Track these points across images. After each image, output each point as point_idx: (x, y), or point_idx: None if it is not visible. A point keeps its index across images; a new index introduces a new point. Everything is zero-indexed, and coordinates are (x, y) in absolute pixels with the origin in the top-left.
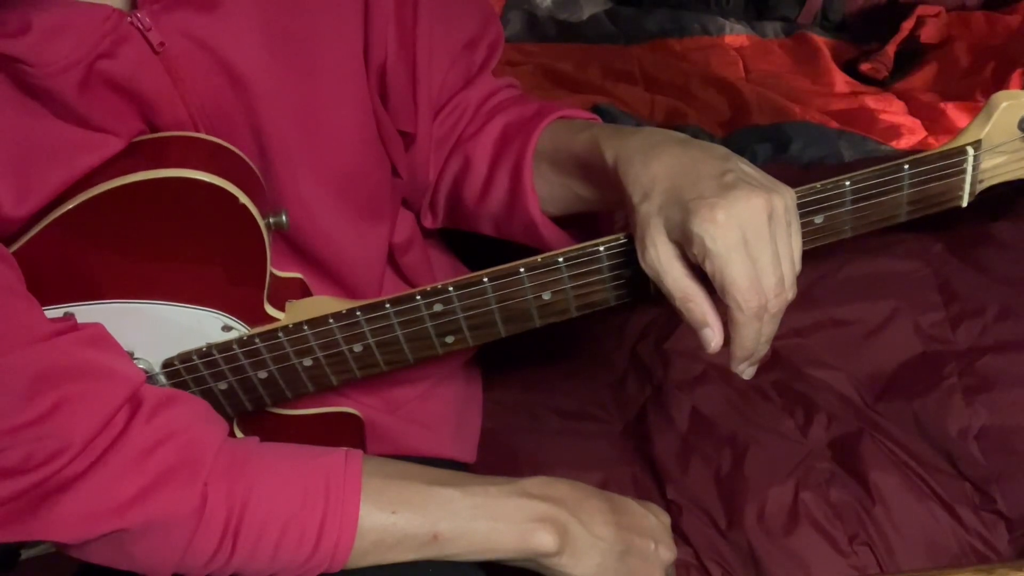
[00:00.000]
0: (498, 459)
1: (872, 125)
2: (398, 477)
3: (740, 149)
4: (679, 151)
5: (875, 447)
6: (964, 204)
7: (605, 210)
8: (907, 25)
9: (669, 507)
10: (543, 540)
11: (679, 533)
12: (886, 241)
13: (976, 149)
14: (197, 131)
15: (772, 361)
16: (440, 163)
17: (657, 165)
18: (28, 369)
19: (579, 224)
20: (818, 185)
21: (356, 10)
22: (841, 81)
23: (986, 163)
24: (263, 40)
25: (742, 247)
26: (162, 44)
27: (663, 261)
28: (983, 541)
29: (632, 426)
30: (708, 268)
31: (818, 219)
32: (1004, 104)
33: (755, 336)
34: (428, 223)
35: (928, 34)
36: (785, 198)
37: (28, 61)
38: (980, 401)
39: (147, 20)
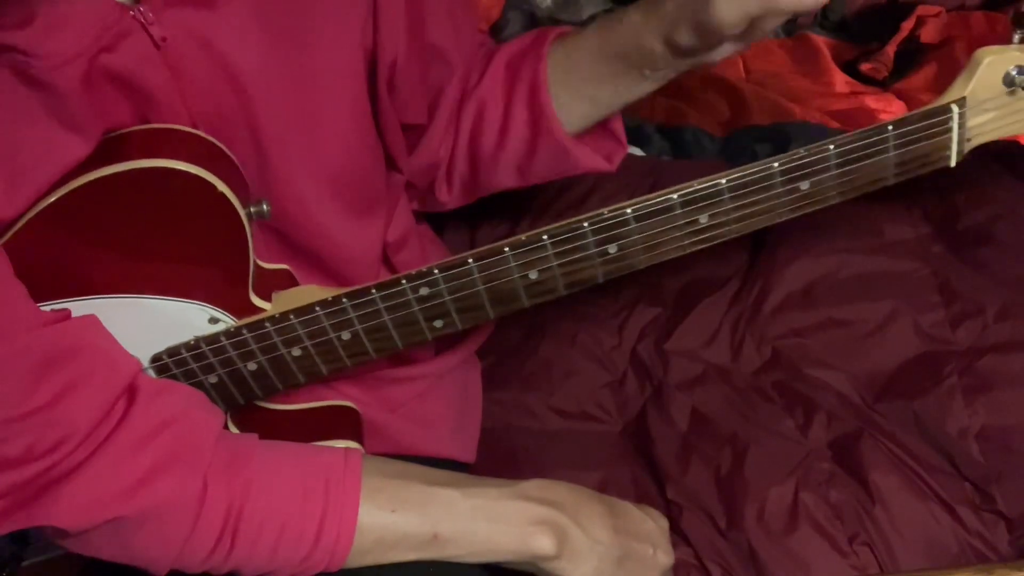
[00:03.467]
0: (498, 459)
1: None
2: (398, 477)
3: (740, 149)
4: None
5: (875, 447)
6: (952, 163)
7: (620, 108)
8: (907, 25)
9: (669, 507)
10: (542, 543)
11: (679, 533)
12: (886, 241)
13: (961, 107)
14: (195, 127)
15: (772, 361)
16: (454, 128)
17: None
18: (32, 355)
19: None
20: (802, 151)
21: (360, 9)
22: (841, 81)
23: (972, 120)
24: (261, 37)
25: None
26: (164, 39)
27: None
28: (983, 541)
29: (632, 426)
30: None
31: (804, 185)
32: (987, 60)
33: None
34: (444, 196)
35: (928, 34)
36: None
37: (31, 52)
38: (980, 401)
39: (150, 15)
